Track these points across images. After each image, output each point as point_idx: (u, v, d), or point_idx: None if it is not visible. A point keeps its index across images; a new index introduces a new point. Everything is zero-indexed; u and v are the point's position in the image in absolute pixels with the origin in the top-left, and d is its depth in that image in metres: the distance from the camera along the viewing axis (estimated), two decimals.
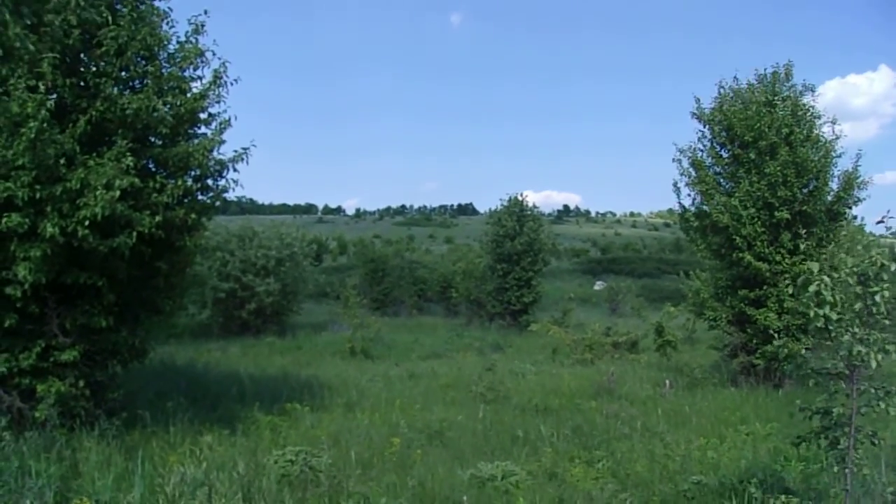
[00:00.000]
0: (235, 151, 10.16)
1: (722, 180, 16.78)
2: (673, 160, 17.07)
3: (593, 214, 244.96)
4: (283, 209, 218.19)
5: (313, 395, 13.06)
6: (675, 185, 17.34)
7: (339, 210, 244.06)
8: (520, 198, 36.88)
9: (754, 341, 15.83)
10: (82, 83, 8.72)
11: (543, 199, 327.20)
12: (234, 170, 10.13)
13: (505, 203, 37.01)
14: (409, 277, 49.41)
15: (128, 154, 8.13)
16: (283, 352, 25.26)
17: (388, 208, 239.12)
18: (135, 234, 8.30)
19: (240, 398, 11.87)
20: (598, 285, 64.23)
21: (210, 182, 10.11)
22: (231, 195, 10.48)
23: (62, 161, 7.95)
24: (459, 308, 43.00)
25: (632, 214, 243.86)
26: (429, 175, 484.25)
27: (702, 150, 17.08)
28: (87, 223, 7.75)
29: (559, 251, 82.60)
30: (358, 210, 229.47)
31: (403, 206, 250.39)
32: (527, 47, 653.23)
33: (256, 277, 28.52)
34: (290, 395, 12.57)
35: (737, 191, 15.90)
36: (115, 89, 8.61)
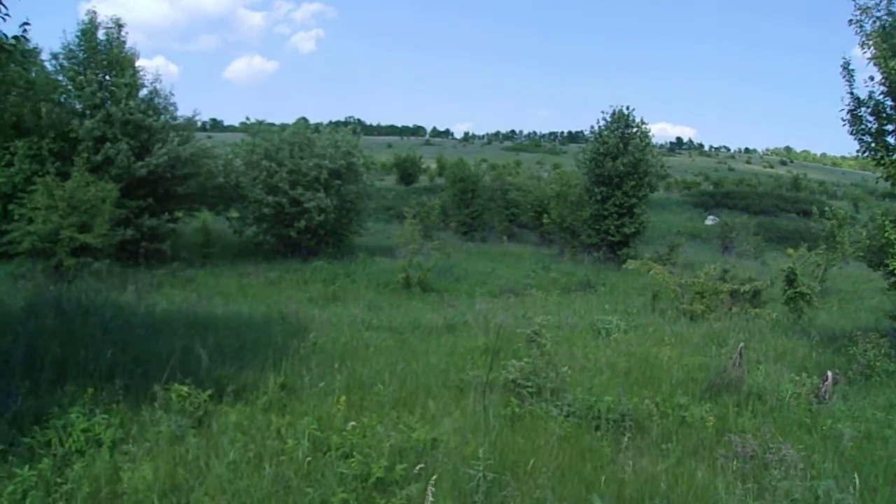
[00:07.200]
0: None
1: None
2: (850, 22, 11.43)
3: (706, 148, 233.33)
4: (391, 130, 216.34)
5: (253, 361, 8.28)
6: (844, 66, 11.88)
7: (447, 133, 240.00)
8: (625, 111, 31.13)
9: None
10: None
11: (658, 131, 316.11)
12: None
13: (607, 117, 31.41)
14: (501, 200, 44.84)
15: None
16: (327, 280, 21.50)
17: (497, 133, 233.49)
18: None
19: (123, 366, 7.28)
20: (710, 220, 59.27)
21: None
22: None
23: None
24: (554, 236, 38.17)
25: (746, 150, 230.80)
26: (541, 100, 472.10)
27: None
28: None
29: (668, 176, 74.73)
30: (466, 134, 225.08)
31: (513, 132, 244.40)
32: None
33: (307, 191, 24.59)
34: (219, 362, 7.95)
35: None
36: None
